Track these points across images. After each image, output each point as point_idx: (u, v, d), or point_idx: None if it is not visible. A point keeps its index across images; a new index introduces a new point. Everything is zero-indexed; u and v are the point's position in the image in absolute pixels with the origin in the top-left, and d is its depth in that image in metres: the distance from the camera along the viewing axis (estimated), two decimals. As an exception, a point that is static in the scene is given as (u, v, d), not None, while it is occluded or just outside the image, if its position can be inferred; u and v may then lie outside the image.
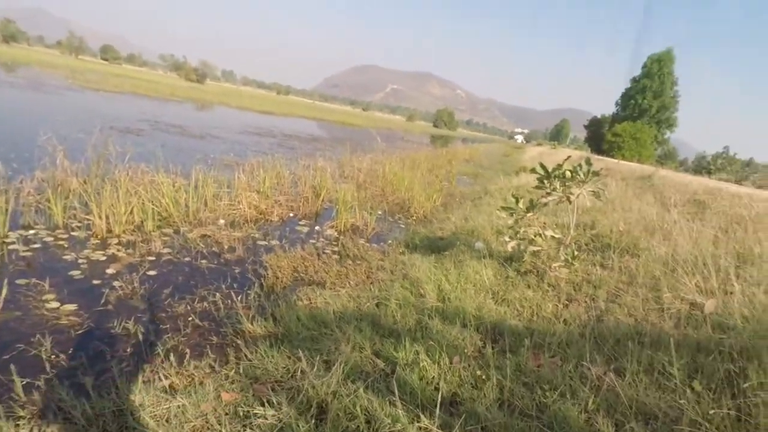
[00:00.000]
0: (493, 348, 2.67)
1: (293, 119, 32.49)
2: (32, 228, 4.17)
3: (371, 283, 3.95)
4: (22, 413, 2.04)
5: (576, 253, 3.88)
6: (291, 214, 6.20)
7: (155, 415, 2.09)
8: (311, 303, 3.38)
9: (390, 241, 5.59)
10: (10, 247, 3.72)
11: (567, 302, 3.42)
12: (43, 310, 2.92)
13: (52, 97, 16.70)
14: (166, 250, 4.24)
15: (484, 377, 2.34)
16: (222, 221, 5.26)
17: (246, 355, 2.61)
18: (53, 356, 2.49)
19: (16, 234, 3.95)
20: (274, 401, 2.12)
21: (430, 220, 7.28)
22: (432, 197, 8.43)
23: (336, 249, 5.06)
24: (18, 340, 2.58)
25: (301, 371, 2.39)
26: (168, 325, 2.99)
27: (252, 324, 3.00)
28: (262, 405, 2.12)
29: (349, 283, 3.92)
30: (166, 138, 11.45)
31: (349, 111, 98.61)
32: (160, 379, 2.36)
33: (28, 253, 3.69)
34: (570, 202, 3.87)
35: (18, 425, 1.96)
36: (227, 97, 43.68)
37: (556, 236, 4.08)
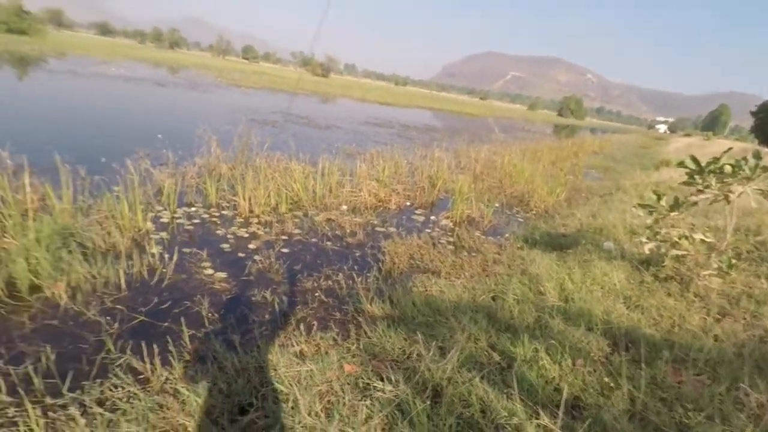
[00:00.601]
0: (623, 356, 2.46)
1: (411, 110, 32.99)
2: (193, 206, 4.91)
3: (487, 275, 3.90)
4: (187, 357, 2.47)
5: (734, 261, 3.36)
6: (408, 203, 6.37)
7: (288, 375, 2.35)
8: (426, 290, 3.46)
9: (507, 235, 5.43)
10: (178, 221, 4.44)
11: (719, 316, 3.00)
12: (202, 275, 3.45)
13: (205, 95, 19.29)
14: (296, 231, 4.67)
15: (612, 385, 2.19)
16: (344, 207, 5.62)
17: (366, 332, 2.78)
18: (210, 314, 2.94)
19: (182, 210, 4.70)
20: (392, 378, 2.24)
21: (551, 215, 6.88)
22: (555, 191, 7.95)
23: (451, 240, 5.08)
24: (184, 298, 3.09)
25: (417, 354, 2.48)
26: (298, 298, 3.32)
27: (371, 304, 3.18)
28: (381, 380, 2.26)
29: (464, 274, 3.92)
30: (296, 129, 12.51)
31: (466, 101, 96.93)
32: (292, 345, 2.64)
33: (191, 227, 4.37)
34: (728, 202, 3.35)
35: (186, 367, 2.36)
36: (349, 89, 45.97)
37: (708, 240, 3.58)
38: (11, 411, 1.98)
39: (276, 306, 3.11)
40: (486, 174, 9.06)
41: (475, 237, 5.11)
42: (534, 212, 7.09)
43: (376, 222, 5.35)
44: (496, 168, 9.51)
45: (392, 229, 5.14)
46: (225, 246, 4.07)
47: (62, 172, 3.86)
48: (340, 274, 3.74)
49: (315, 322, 3.00)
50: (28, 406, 1.99)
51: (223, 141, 6.69)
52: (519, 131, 28.86)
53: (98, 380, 2.21)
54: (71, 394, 2.10)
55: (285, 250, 4.17)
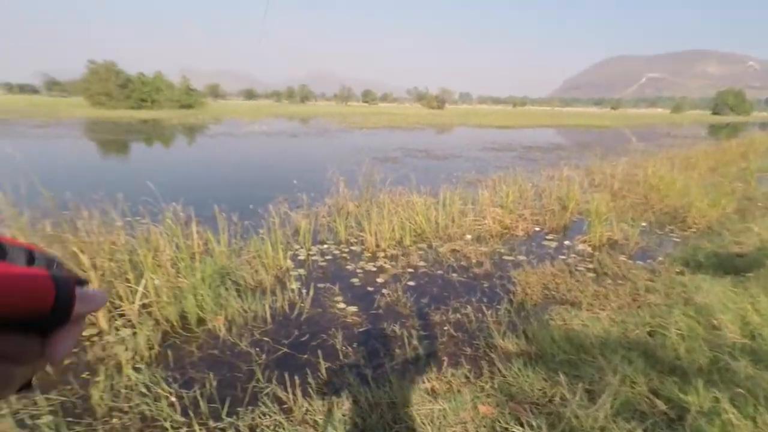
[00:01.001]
0: None
1: (531, 130, 31.64)
2: (325, 243, 5.26)
3: (638, 306, 3.40)
4: (325, 390, 2.57)
5: None
6: (536, 228, 5.98)
7: (421, 413, 2.29)
8: (566, 324, 3.14)
9: (661, 258, 4.72)
10: (313, 258, 4.78)
11: None
12: (335, 309, 3.62)
13: (332, 140, 21.03)
14: (421, 263, 4.68)
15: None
16: (468, 236, 5.49)
17: (500, 370, 2.60)
18: (343, 347, 3.04)
19: (316, 248, 5.07)
20: (534, 423, 2.03)
21: (717, 231, 5.83)
22: (718, 203, 6.75)
23: (591, 266, 4.58)
24: (320, 331, 3.27)
25: (561, 397, 2.22)
26: (427, 332, 3.27)
27: (504, 339, 2.99)
28: (520, 425, 2.06)
29: (609, 305, 3.48)
30: (415, 162, 12.83)
31: (594, 113, 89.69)
32: (423, 381, 2.58)
33: (324, 263, 4.67)
34: None
35: (323, 399, 2.46)
36: (465, 117, 46.03)
37: None
38: (183, 430, 2.25)
39: (405, 340, 3.10)
40: (626, 190, 8.12)
41: (620, 262, 4.54)
42: (693, 230, 6.08)
43: (503, 250, 5.11)
44: (638, 182, 8.47)
45: (521, 257, 4.85)
46: (355, 280, 4.24)
47: (219, 220, 4.46)
48: (469, 306, 3.61)
49: (445, 358, 2.91)
50: (196, 427, 2.25)
51: (349, 180, 7.13)
52: (663, 138, 25.59)
53: (250, 407, 2.42)
54: (228, 419, 2.32)
55: (411, 283, 4.19)
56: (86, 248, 3.63)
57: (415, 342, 3.08)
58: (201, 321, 3.36)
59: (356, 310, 3.62)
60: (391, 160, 13.20)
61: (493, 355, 2.82)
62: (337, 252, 4.99)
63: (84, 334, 3.16)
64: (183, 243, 3.93)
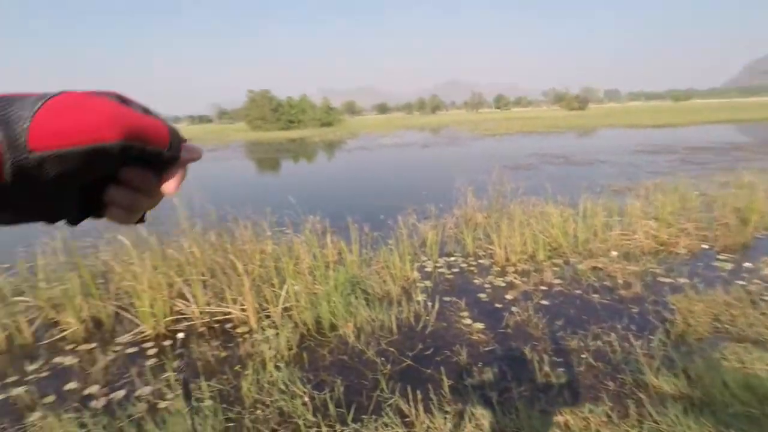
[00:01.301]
0: None
1: (699, 127, 27.12)
2: (452, 255, 5.19)
3: None
4: (447, 408, 2.51)
5: None
6: (703, 246, 5.06)
7: (553, 450, 2.08)
8: (744, 367, 2.57)
9: None
10: (439, 270, 4.76)
11: None
12: (461, 325, 3.53)
13: (462, 148, 20.86)
14: (556, 281, 4.32)
15: None
16: (614, 253, 4.89)
17: (651, 414, 2.24)
18: (467, 366, 2.94)
19: (443, 260, 5.04)
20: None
21: None
22: None
23: (780, 294, 3.70)
24: (444, 347, 3.22)
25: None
26: (561, 359, 2.98)
27: (657, 377, 2.57)
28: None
29: (809, 346, 2.75)
30: (551, 170, 11.99)
31: (785, 103, 73.27)
32: (555, 414, 2.35)
33: (450, 276, 4.61)
34: None
35: (445, 418, 2.40)
36: (611, 117, 41.63)
37: None
38: (313, 430, 2.41)
39: (536, 365, 2.87)
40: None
41: (826, 292, 3.58)
42: None
43: (657, 270, 4.43)
44: None
45: (682, 280, 4.14)
46: (482, 295, 4.09)
47: (352, 231, 4.73)
48: (612, 333, 3.20)
49: (582, 390, 2.61)
50: (324, 429, 2.39)
51: (478, 190, 6.97)
52: None
53: (374, 416, 2.48)
54: (354, 425, 2.41)
55: (544, 302, 3.88)
56: (241, 255, 4.16)
57: (546, 368, 2.84)
58: (333, 327, 3.58)
59: (482, 327, 3.48)
60: (523, 167, 12.56)
61: (642, 395, 2.44)
62: (464, 265, 4.89)
63: (237, 331, 3.62)
64: (319, 252, 4.25)
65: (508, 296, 4.04)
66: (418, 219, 6.01)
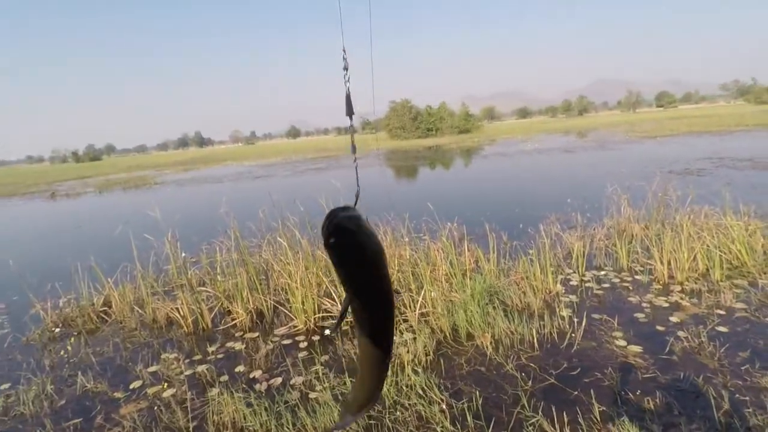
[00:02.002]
0: None
1: None
2: (602, 269, 4.72)
3: None
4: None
5: None
6: None
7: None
8: None
9: None
10: (587, 284, 4.37)
11: None
12: (613, 346, 3.19)
13: (613, 152, 18.82)
14: (739, 305, 3.62)
15: None
16: (824, 275, 3.91)
17: None
18: (622, 392, 2.64)
19: (591, 273, 4.61)
20: None
21: None
22: None
23: None
24: (593, 368, 2.94)
25: None
26: (747, 397, 2.48)
27: None
28: None
29: None
30: (732, 174, 10.09)
31: None
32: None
33: (600, 292, 4.20)
34: None
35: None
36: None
37: None
38: (452, 438, 2.41)
39: (711, 401, 2.44)
40: None
41: None
42: None
43: None
44: None
45: None
46: (639, 315, 3.64)
47: (490, 239, 4.64)
48: (824, 375, 2.55)
49: (779, 439, 2.14)
50: (462, 438, 2.37)
51: (634, 198, 6.23)
52: None
53: (513, 433, 2.39)
54: (493, 439, 2.35)
55: (722, 329, 3.28)
56: (382, 259, 4.39)
57: (727, 406, 2.40)
58: (470, 336, 3.55)
59: (640, 350, 3.09)
60: (693, 172, 10.82)
61: None
62: (616, 280, 4.41)
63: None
64: (456, 259, 4.26)
65: (673, 318, 3.52)
66: (561, 228, 5.61)
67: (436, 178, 17.19)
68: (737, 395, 2.51)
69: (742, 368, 2.76)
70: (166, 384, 3.30)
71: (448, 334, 3.58)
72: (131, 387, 3.34)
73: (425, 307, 3.84)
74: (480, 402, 2.69)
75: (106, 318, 4.74)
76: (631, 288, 4.21)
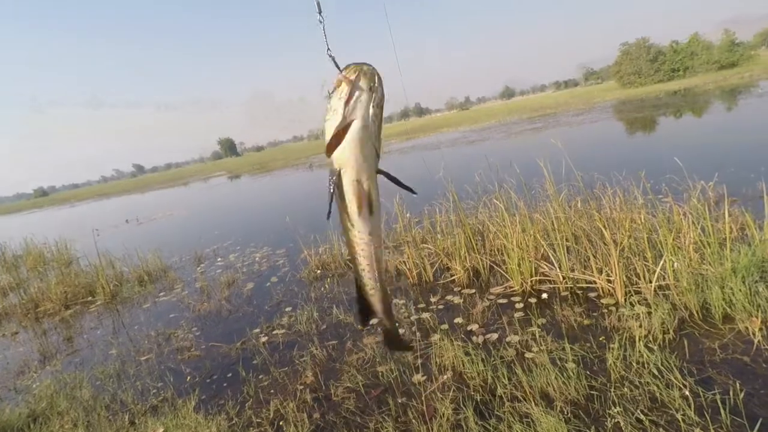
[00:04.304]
0: None
1: None
2: None
3: None
4: None
5: None
6: None
7: None
8: None
9: None
10: None
11: None
12: None
13: None
14: None
15: None
16: None
17: None
18: None
19: None
20: None
21: None
22: None
23: None
24: None
25: None
26: None
27: None
28: None
29: None
30: None
31: None
32: None
33: None
34: None
35: None
36: None
37: None
38: (696, 430, 2.08)
39: None
40: None
41: None
42: None
43: None
44: None
45: None
46: None
47: (766, 201, 3.61)
48: None
49: None
50: (711, 434, 2.02)
51: None
52: None
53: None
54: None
55: None
56: (608, 224, 3.94)
57: None
58: (727, 318, 2.91)
59: None
60: None
61: None
62: None
63: (602, 301, 3.50)
64: (710, 226, 3.48)
65: None
66: None
67: (683, 128, 14.12)
68: None
69: None
70: (397, 324, 3.83)
71: (696, 313, 3.02)
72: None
73: (664, 278, 3.31)
74: (741, 397, 2.22)
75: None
76: None
